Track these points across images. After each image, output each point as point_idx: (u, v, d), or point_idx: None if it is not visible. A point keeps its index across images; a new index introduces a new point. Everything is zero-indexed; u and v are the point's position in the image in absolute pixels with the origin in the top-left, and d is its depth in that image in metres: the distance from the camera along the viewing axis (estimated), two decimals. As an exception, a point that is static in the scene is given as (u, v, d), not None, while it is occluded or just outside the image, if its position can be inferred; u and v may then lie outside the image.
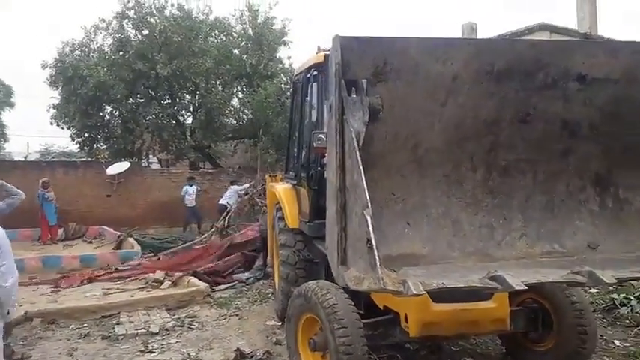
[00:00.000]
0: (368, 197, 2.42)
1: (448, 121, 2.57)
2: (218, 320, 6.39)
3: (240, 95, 19.05)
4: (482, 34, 13.88)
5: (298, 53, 28.65)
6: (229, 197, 13.36)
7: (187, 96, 18.64)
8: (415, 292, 2.25)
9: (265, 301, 7.19)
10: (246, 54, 18.12)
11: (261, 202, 10.39)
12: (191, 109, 18.81)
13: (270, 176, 7.61)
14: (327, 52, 5.56)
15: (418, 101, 2.60)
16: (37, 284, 8.43)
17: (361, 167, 2.45)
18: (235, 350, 4.97)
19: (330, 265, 3.41)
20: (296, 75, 6.69)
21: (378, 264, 2.33)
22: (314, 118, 5.71)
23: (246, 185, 13.76)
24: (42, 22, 77.08)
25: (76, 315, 6.47)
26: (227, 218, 11.29)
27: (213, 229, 10.64)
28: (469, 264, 2.82)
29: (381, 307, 4.24)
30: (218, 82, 18.16)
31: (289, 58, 19.43)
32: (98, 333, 5.96)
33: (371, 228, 2.37)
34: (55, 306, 6.93)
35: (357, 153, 2.47)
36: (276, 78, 17.96)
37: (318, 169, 5.22)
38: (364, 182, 2.43)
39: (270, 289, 7.63)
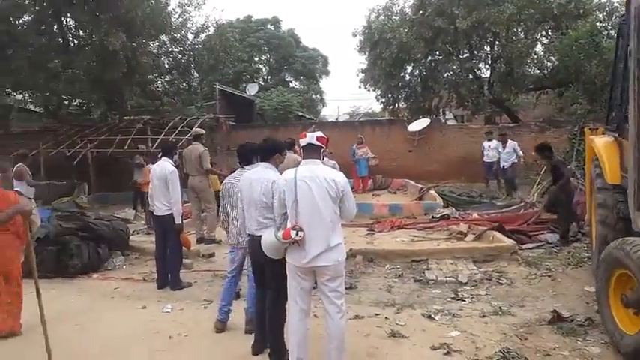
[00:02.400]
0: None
1: None
2: (528, 279, 6.16)
3: (545, 41, 17.31)
4: None
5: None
6: (506, 154, 12.56)
7: (486, 48, 17.99)
8: None
9: (581, 266, 6.56)
10: (553, -7, 16.25)
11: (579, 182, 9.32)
12: (489, 61, 18.11)
13: (590, 129, 6.76)
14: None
15: None
16: (355, 227, 9.66)
17: None
18: (552, 312, 4.71)
19: (630, 212, 3.39)
20: (624, 14, 5.68)
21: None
22: None
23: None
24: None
25: (390, 257, 7.20)
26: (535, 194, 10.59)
27: (522, 204, 10.12)
28: None
29: None
30: (520, 30, 16.90)
31: (608, -10, 16.61)
32: (410, 275, 6.48)
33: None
34: (372, 247, 7.84)
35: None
36: (590, 16, 15.62)
37: None
38: None
39: (586, 253, 6.93)
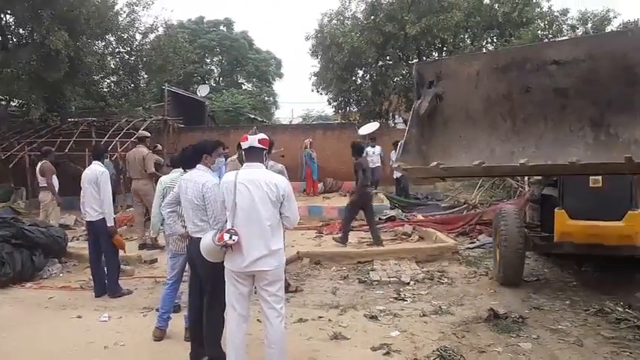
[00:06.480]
0: (408, 133, 3.72)
1: (481, 95, 3.60)
2: (468, 278, 6.33)
3: (491, 47, 17.91)
4: None
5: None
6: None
7: (434, 54, 18.41)
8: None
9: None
10: (499, 2, 16.88)
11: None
12: (438, 67, 18.51)
13: None
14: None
15: (463, 87, 3.68)
16: (304, 229, 9.64)
17: (412, 126, 3.72)
18: (489, 310, 4.85)
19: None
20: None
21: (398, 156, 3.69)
22: None
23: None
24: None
25: (336, 259, 7.22)
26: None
27: (465, 205, 10.40)
28: None
29: None
30: (467, 36, 17.45)
31: (549, 0, 17.43)
32: (355, 277, 6.52)
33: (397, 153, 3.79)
34: (319, 249, 7.85)
35: (411, 118, 3.84)
36: (532, 25, 16.34)
37: None
38: (411, 135, 3.72)
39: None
